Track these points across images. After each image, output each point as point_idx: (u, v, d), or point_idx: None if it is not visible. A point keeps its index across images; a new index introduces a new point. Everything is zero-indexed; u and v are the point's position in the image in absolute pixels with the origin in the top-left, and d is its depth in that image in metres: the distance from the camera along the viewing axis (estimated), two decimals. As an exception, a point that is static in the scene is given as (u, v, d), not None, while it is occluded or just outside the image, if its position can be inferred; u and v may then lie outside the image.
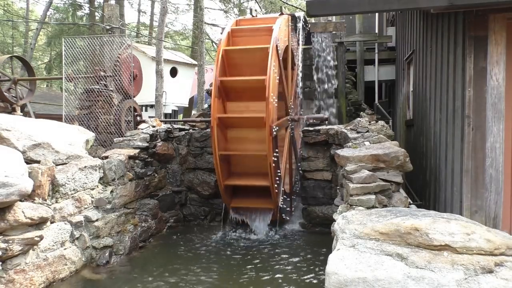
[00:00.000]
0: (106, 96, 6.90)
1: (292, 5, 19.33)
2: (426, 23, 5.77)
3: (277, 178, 5.58)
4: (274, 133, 5.41)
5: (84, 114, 6.91)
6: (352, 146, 4.83)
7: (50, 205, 4.10)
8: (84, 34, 17.72)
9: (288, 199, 6.26)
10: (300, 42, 7.32)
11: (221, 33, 6.22)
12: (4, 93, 7.40)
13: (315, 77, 8.43)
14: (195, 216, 6.70)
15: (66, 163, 4.58)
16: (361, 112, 7.39)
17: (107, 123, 6.83)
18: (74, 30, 20.33)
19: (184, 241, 5.73)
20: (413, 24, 7.01)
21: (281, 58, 5.79)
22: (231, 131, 5.84)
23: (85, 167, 4.62)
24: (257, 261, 4.85)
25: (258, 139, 5.51)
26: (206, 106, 11.25)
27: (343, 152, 4.52)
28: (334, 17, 9.22)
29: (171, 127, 6.77)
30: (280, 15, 6.43)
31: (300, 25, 7.02)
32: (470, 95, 3.93)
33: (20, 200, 3.71)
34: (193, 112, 15.77)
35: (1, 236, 3.52)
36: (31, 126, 4.56)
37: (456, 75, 4.26)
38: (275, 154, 5.46)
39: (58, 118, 6.90)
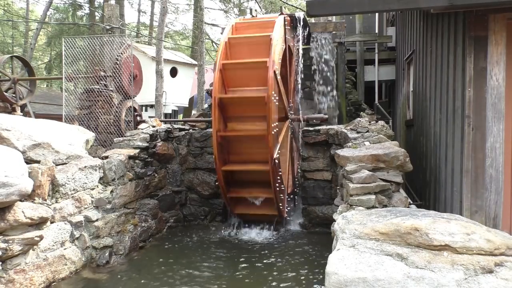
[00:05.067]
0: (106, 96, 6.89)
1: (292, 5, 19.33)
2: (426, 23, 5.77)
3: (278, 178, 5.58)
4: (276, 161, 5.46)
5: (84, 114, 6.90)
6: (352, 146, 4.83)
7: (50, 205, 4.11)
8: (84, 34, 17.72)
9: (289, 198, 6.26)
10: (300, 42, 7.31)
11: (221, 33, 6.26)
12: (4, 93, 7.40)
13: (315, 77, 8.42)
14: (195, 216, 6.70)
15: (66, 163, 4.58)
16: (361, 112, 7.40)
17: (107, 123, 6.83)
18: (74, 30, 20.33)
19: (184, 241, 5.72)
20: (413, 24, 7.01)
21: (278, 74, 5.76)
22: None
23: (85, 167, 4.62)
24: (257, 261, 4.85)
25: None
26: (206, 106, 11.25)
27: (343, 152, 4.52)
28: (334, 17, 9.22)
29: (171, 127, 6.77)
30: (280, 15, 6.43)
31: (300, 25, 7.02)
32: (470, 95, 3.93)
33: (20, 200, 3.71)
34: (193, 112, 15.76)
35: (1, 236, 3.52)
36: (31, 126, 4.55)
37: (456, 75, 4.26)
38: (276, 155, 5.46)
39: (58, 118, 6.89)
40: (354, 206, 3.73)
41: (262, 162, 5.49)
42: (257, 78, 5.50)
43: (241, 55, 5.83)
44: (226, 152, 5.82)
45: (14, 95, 7.76)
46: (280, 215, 5.86)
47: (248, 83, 5.70)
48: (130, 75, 7.12)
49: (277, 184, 5.51)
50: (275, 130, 5.43)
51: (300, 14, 7.07)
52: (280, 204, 5.72)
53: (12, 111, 7.42)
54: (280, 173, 5.64)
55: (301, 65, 7.60)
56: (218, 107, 5.54)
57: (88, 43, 7.06)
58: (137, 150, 5.75)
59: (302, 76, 7.91)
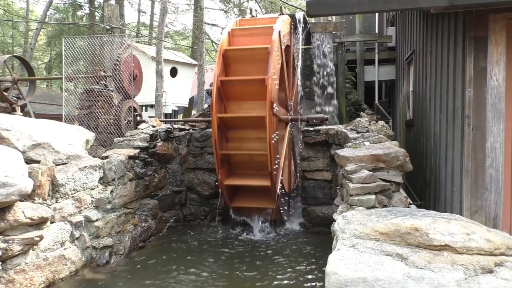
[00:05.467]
0: (106, 96, 6.89)
1: (292, 5, 19.33)
2: (426, 23, 5.77)
3: (276, 164, 5.53)
4: (275, 109, 5.42)
5: (84, 114, 6.90)
6: (352, 146, 4.83)
7: (50, 205, 4.10)
8: (84, 34, 17.72)
9: (288, 198, 6.25)
10: (300, 42, 7.31)
11: (221, 33, 6.33)
12: (4, 93, 7.40)
13: (315, 77, 8.42)
14: (195, 216, 6.70)
15: (66, 163, 4.58)
16: (361, 112, 7.39)
17: (107, 123, 6.83)
18: (74, 30, 20.34)
19: (184, 241, 5.72)
20: (413, 24, 7.01)
21: (283, 48, 5.83)
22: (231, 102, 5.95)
23: (85, 167, 4.62)
24: (257, 261, 4.85)
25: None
26: (206, 106, 11.25)
27: (343, 152, 4.52)
28: (334, 17, 9.22)
29: (171, 127, 6.76)
30: (280, 15, 6.44)
31: (300, 25, 7.03)
32: (470, 95, 3.93)
33: (20, 200, 3.71)
34: (193, 112, 15.76)
35: (1, 236, 3.52)
36: (31, 126, 4.55)
37: (456, 75, 4.26)
38: (274, 140, 5.44)
39: (58, 118, 6.89)
40: (354, 206, 3.73)
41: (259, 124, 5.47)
42: (263, 41, 5.74)
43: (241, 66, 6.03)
44: (223, 104, 5.85)
45: (14, 95, 7.76)
46: (273, 188, 5.58)
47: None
48: (130, 75, 7.12)
49: (273, 137, 5.38)
50: (276, 80, 5.46)
51: (300, 14, 7.08)
52: (275, 173, 5.52)
53: (12, 111, 7.41)
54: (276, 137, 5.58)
55: (301, 66, 7.60)
56: (222, 57, 5.75)
57: (88, 43, 7.05)
58: (137, 150, 5.75)
59: (302, 76, 7.92)
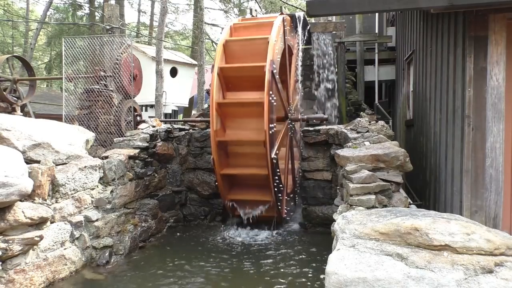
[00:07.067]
0: (106, 96, 6.90)
1: (292, 5, 19.32)
2: (426, 23, 5.77)
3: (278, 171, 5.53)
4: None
5: (84, 114, 6.91)
6: (352, 146, 4.83)
7: (50, 205, 4.11)
8: (84, 34, 17.73)
9: (294, 197, 6.25)
10: (300, 42, 7.31)
11: (221, 33, 6.40)
12: (4, 93, 7.40)
13: (315, 77, 8.42)
14: (195, 216, 6.71)
15: (66, 163, 4.58)
16: (361, 112, 7.39)
17: (107, 123, 6.83)
18: (74, 30, 20.35)
19: (184, 241, 5.73)
20: (413, 24, 7.01)
21: (277, 78, 5.84)
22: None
23: (85, 167, 4.62)
24: (257, 261, 4.85)
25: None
26: (206, 106, 11.25)
27: (343, 152, 4.52)
28: (334, 17, 9.21)
29: (171, 127, 6.77)
30: (280, 15, 6.43)
31: (300, 25, 7.03)
32: (470, 95, 3.94)
33: (20, 200, 3.71)
34: (193, 112, 15.76)
35: (1, 236, 3.52)
36: (31, 126, 4.55)
37: (456, 75, 4.26)
38: (276, 152, 5.42)
39: (58, 118, 6.90)
40: (354, 206, 3.73)
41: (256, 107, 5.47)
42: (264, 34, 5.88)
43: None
44: (222, 92, 5.88)
45: (14, 95, 7.76)
46: (272, 178, 5.49)
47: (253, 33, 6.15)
48: (130, 75, 7.13)
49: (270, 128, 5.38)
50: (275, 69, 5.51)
51: (300, 14, 7.08)
52: (274, 161, 5.48)
53: (12, 111, 7.42)
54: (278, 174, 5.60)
55: (301, 66, 7.60)
56: (223, 47, 5.91)
57: (88, 43, 7.06)
58: (137, 150, 5.75)
59: (302, 76, 7.92)
